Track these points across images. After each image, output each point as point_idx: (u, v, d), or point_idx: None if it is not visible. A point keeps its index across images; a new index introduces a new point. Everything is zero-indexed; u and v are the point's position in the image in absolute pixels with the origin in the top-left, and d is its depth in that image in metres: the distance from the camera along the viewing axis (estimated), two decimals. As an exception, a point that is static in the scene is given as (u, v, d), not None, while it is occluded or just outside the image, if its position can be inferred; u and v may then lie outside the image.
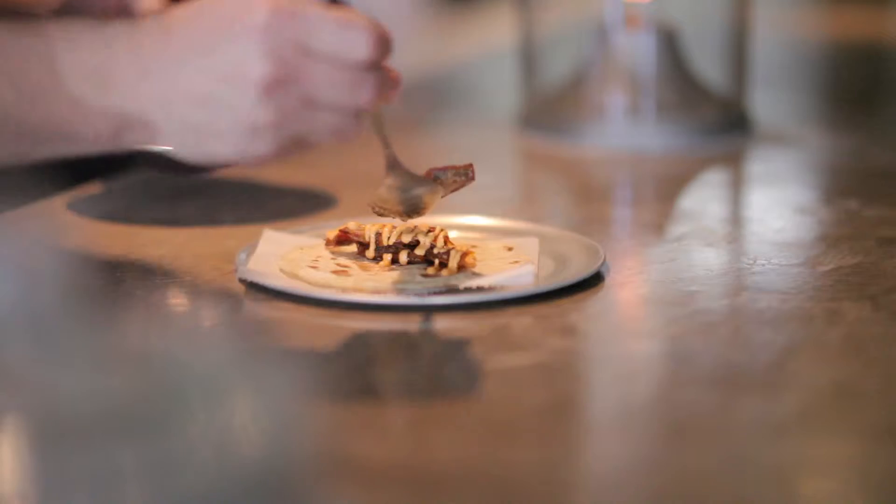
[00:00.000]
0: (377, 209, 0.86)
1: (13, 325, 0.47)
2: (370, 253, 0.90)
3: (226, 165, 0.88)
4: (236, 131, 0.80)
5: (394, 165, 0.86)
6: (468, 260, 0.88)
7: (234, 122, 0.79)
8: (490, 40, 2.28)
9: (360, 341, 0.80)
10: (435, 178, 0.86)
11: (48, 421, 0.44)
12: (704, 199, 1.23)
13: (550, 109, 1.42)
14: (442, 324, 0.82)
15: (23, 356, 0.47)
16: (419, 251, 0.88)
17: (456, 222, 0.98)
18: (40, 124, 0.79)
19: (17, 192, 1.06)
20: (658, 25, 1.41)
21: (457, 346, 0.79)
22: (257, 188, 1.17)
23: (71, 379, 0.45)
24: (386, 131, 0.86)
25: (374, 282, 0.86)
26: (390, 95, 0.83)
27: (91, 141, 0.81)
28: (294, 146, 0.82)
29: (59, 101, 0.78)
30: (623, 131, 1.38)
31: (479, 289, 0.85)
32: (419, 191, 0.84)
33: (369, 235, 0.90)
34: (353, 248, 0.92)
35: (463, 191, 1.25)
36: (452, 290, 0.85)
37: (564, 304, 0.84)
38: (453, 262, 0.87)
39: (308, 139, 0.82)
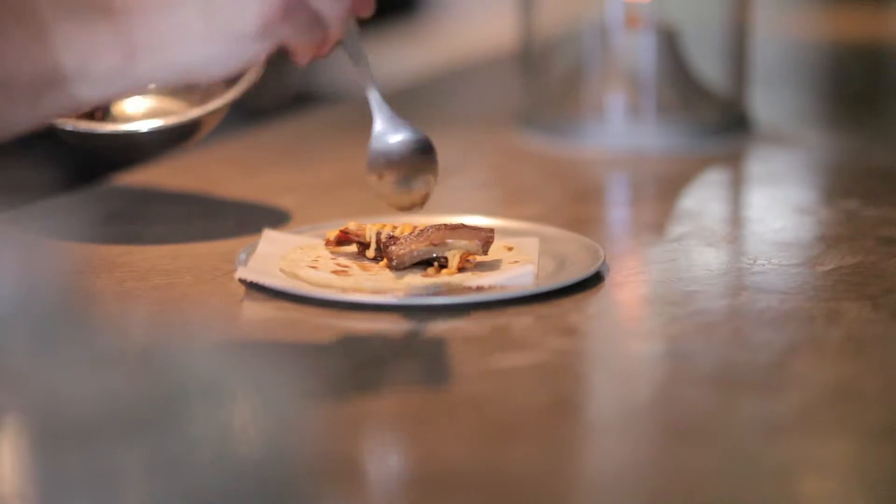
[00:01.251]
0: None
1: (13, 326, 0.47)
2: (370, 253, 0.90)
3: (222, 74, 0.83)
4: (236, 30, 0.77)
5: (370, 86, 0.83)
6: (468, 260, 0.88)
7: (236, 22, 0.77)
8: (491, 40, 2.28)
9: (360, 341, 0.80)
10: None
11: (48, 421, 0.44)
12: (704, 199, 1.23)
13: (550, 109, 1.42)
14: (442, 324, 0.82)
15: (23, 356, 0.47)
16: (419, 251, 0.88)
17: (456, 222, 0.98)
18: (50, 69, 0.74)
19: (16, 192, 1.06)
20: (658, 25, 1.41)
21: (457, 346, 0.79)
22: (257, 188, 1.17)
23: (71, 379, 0.45)
24: (361, 47, 0.84)
25: (374, 282, 0.86)
26: (367, 6, 0.81)
27: (104, 75, 0.76)
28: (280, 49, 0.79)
29: (62, 32, 0.73)
30: (623, 131, 1.38)
31: (479, 289, 0.85)
32: (417, 185, 0.84)
33: (370, 235, 0.90)
34: (354, 248, 0.92)
35: (463, 191, 1.25)
36: (452, 290, 0.85)
37: (564, 304, 0.84)
38: (453, 262, 0.87)
39: (294, 41, 0.79)
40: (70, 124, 0.99)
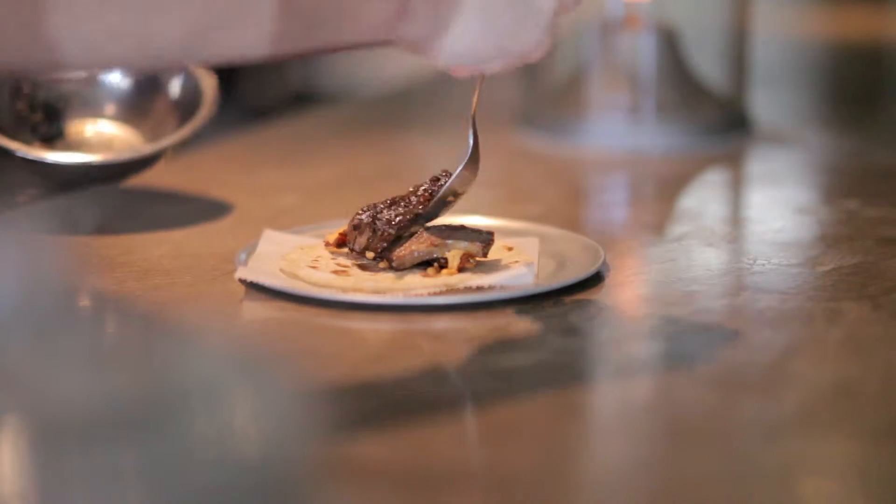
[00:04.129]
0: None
1: (14, 326, 0.47)
2: (370, 253, 0.90)
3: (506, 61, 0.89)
4: (532, 20, 0.87)
5: (474, 128, 0.93)
6: (468, 260, 0.88)
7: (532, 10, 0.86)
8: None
9: (360, 341, 0.80)
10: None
11: (48, 421, 0.44)
12: (704, 199, 1.23)
13: (550, 109, 1.42)
14: (442, 324, 0.82)
15: (23, 357, 0.47)
16: (419, 251, 0.88)
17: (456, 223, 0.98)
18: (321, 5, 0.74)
19: (16, 192, 1.06)
20: (658, 25, 1.41)
21: (457, 346, 0.79)
22: (257, 188, 1.17)
23: (71, 379, 0.45)
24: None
25: (374, 282, 0.86)
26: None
27: (371, 26, 0.76)
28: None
29: None
30: (623, 131, 1.38)
31: (479, 289, 0.85)
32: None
33: (369, 235, 0.90)
34: (354, 248, 0.92)
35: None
36: (452, 290, 0.85)
37: (564, 304, 0.84)
38: (453, 263, 0.87)
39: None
40: (22, 150, 0.99)
